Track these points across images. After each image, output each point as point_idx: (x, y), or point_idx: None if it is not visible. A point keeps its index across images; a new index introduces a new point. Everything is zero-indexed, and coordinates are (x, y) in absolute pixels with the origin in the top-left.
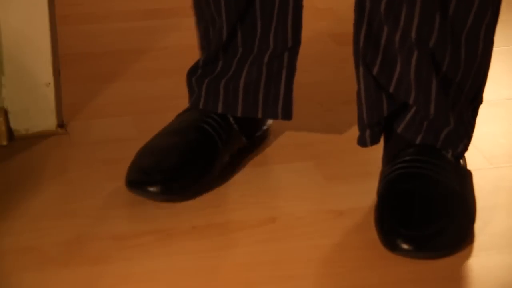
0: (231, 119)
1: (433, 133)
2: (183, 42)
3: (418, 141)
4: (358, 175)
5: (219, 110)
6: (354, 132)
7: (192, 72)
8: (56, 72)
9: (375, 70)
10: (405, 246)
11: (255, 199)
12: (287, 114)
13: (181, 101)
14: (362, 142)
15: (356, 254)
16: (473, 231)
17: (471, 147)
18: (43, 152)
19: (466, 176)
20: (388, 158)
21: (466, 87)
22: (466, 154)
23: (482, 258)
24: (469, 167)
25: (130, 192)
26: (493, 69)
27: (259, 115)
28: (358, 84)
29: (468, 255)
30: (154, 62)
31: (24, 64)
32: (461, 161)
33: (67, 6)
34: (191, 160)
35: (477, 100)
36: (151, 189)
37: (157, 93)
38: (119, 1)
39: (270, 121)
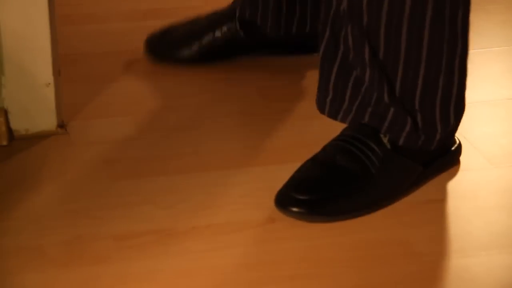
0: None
1: (378, 116)
2: None
3: (365, 120)
4: None
5: None
6: None
7: None
8: (56, 72)
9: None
10: (294, 209)
11: (255, 199)
12: None
13: (181, 101)
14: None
15: (356, 254)
16: (347, 214)
17: (471, 147)
18: (43, 152)
19: (396, 165)
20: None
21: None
22: (466, 155)
23: (482, 258)
24: (469, 167)
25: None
26: (493, 69)
27: None
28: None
29: (468, 255)
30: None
31: (24, 64)
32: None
33: (67, 6)
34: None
35: (450, 100)
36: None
37: (157, 93)
38: (119, 1)
39: None
